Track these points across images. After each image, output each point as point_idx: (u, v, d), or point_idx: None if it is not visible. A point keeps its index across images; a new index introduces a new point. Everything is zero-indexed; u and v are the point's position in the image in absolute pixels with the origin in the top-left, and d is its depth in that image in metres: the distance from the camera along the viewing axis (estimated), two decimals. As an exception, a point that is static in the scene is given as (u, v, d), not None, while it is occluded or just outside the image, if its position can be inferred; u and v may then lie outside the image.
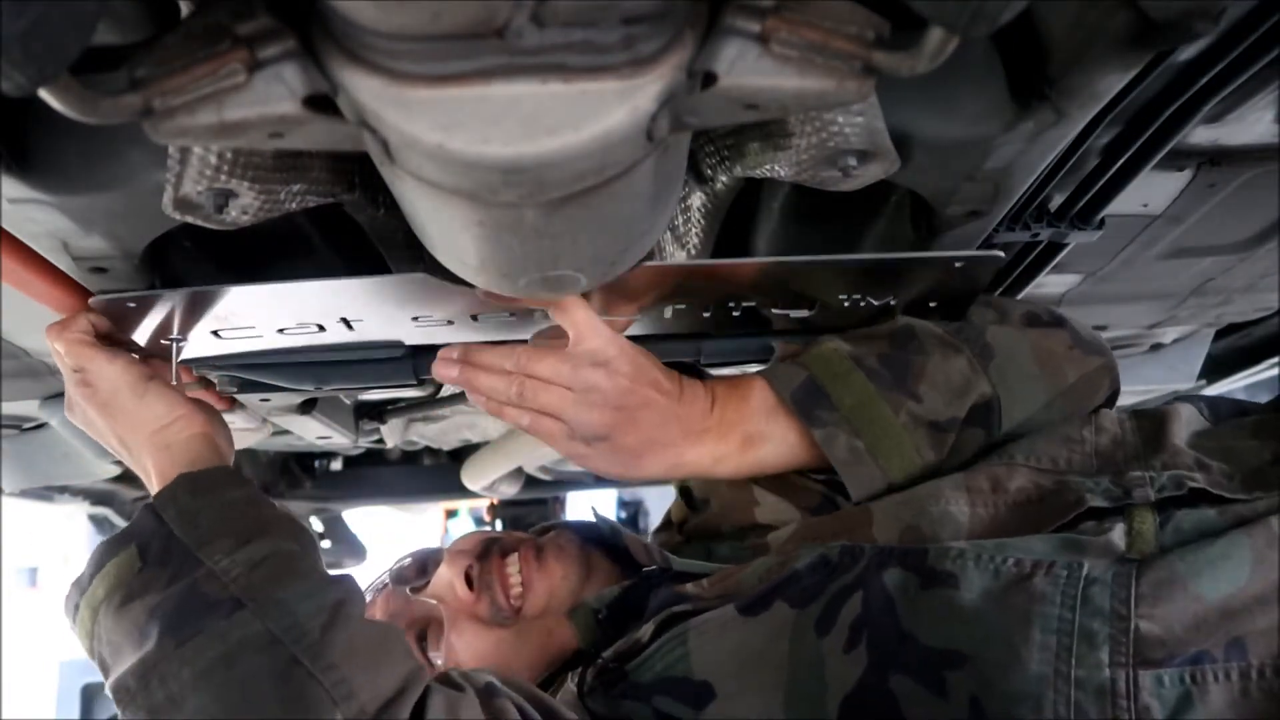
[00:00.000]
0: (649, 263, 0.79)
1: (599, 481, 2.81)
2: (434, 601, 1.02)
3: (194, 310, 0.84)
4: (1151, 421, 0.85)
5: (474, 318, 0.89)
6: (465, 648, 0.99)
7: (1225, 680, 0.63)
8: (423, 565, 1.11)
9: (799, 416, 0.86)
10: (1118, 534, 0.72)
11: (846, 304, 0.90)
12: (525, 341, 0.91)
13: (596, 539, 1.07)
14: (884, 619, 0.72)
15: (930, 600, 0.71)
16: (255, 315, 0.86)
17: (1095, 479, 0.79)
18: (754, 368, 0.99)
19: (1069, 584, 0.68)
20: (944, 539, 0.78)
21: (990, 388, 0.86)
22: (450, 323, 0.90)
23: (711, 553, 0.95)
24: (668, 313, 0.92)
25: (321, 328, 0.89)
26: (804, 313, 0.92)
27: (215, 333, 0.88)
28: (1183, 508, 0.73)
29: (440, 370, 0.89)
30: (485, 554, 1.03)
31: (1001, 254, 0.85)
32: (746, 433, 0.88)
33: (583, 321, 0.84)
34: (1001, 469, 0.83)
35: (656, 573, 0.93)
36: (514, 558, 1.02)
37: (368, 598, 1.12)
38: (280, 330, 0.89)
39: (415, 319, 0.89)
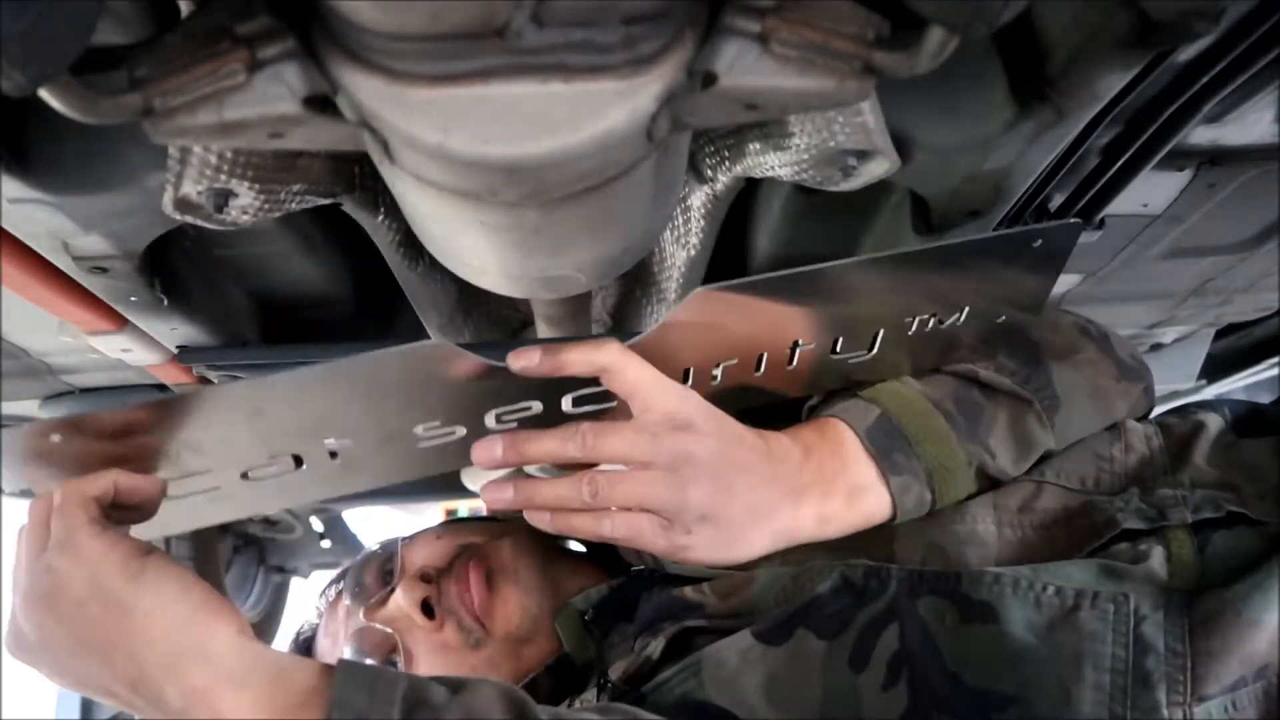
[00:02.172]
0: (705, 288, 0.67)
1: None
2: (389, 631, 0.94)
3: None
4: (1179, 438, 0.84)
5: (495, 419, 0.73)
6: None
7: (1255, 699, 0.64)
8: (384, 572, 1.01)
9: (876, 460, 0.76)
10: (1157, 560, 0.70)
11: (912, 329, 0.79)
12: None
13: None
14: (924, 657, 0.69)
15: (972, 636, 0.68)
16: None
17: (1124, 496, 0.76)
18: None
19: (1119, 620, 0.66)
20: (970, 560, 0.76)
21: (1054, 444, 0.82)
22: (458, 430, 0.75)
23: None
24: (717, 375, 0.77)
25: (299, 461, 0.74)
26: (863, 354, 0.80)
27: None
28: (1218, 529, 0.72)
29: (492, 495, 0.71)
30: (441, 573, 0.97)
31: (1080, 220, 0.81)
32: (850, 485, 0.75)
33: (646, 381, 0.69)
34: (1030, 487, 0.80)
35: (646, 573, 0.90)
36: (474, 576, 0.95)
37: (319, 605, 1.07)
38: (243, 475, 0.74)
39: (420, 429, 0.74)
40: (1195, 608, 0.66)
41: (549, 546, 0.99)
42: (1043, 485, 0.80)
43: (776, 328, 0.75)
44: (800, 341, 0.77)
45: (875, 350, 0.80)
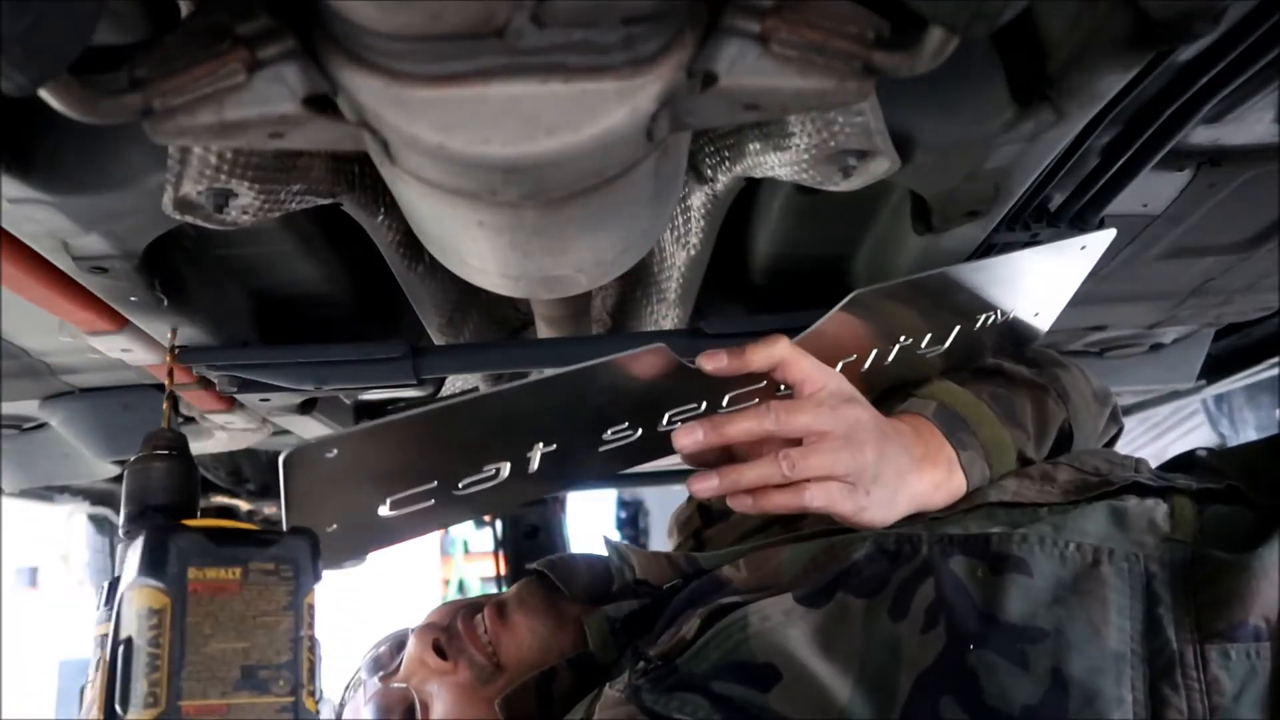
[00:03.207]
0: (859, 291, 0.78)
1: (597, 480, 2.81)
2: (405, 687, 1.00)
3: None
4: (1175, 463, 0.94)
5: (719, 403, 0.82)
6: (451, 715, 0.96)
7: (1272, 651, 0.70)
8: (398, 647, 1.08)
9: (949, 439, 0.85)
10: (1160, 514, 0.79)
11: (980, 324, 0.92)
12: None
13: (578, 577, 1.03)
14: (960, 603, 0.76)
15: (1005, 584, 0.76)
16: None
17: (1136, 473, 0.86)
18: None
19: (1133, 577, 0.75)
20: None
21: (1070, 430, 0.93)
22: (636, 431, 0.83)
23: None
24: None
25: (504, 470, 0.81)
26: (939, 348, 0.92)
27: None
28: (1217, 503, 0.80)
29: (699, 485, 0.79)
30: (450, 623, 1.02)
31: (1114, 231, 0.88)
32: (948, 457, 0.86)
33: (814, 366, 0.80)
34: (1049, 466, 0.89)
35: (680, 584, 0.93)
36: (480, 617, 1.00)
37: (346, 697, 1.12)
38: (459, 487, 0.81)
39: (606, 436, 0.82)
40: (1197, 564, 0.75)
41: (548, 599, 1.03)
42: (1059, 465, 0.89)
43: (893, 327, 0.86)
44: (903, 338, 0.87)
45: (948, 345, 0.90)
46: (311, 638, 0.61)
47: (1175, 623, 0.73)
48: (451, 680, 0.97)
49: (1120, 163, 0.86)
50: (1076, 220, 0.95)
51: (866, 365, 0.88)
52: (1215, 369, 1.79)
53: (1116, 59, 0.57)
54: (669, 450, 0.85)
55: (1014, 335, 0.97)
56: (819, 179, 0.67)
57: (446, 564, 7.99)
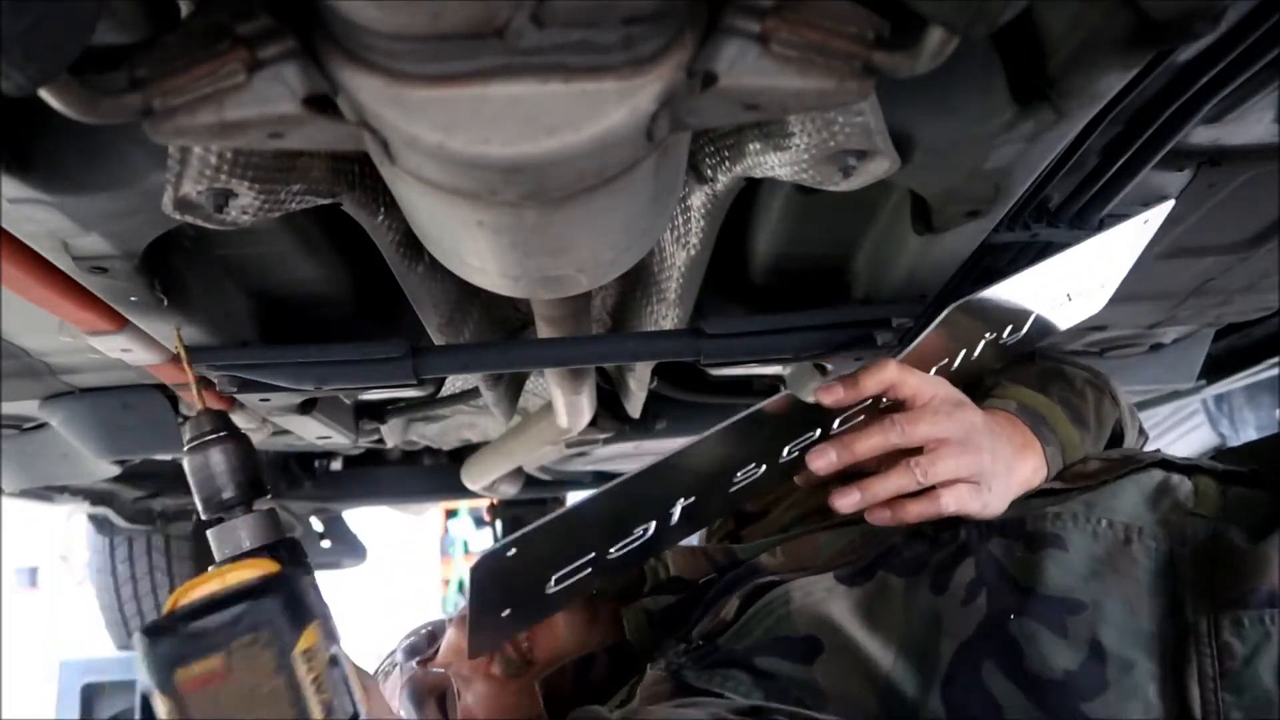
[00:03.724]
0: (958, 302, 0.81)
1: (598, 481, 2.82)
2: (442, 670, 1.05)
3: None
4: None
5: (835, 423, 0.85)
6: (481, 705, 1.01)
7: None
8: (433, 635, 1.14)
9: (1032, 431, 0.90)
10: (1185, 490, 0.84)
11: (1055, 309, 0.96)
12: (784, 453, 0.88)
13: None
14: (999, 581, 0.81)
15: (1042, 559, 0.80)
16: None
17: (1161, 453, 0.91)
18: (758, 369, 1.00)
19: (1159, 556, 0.80)
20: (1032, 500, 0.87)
21: (1122, 431, 0.99)
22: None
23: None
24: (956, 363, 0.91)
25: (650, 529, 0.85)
26: (1018, 335, 0.94)
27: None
28: (1241, 485, 0.84)
29: (840, 501, 0.82)
30: None
31: (1173, 200, 0.89)
32: (1037, 447, 0.90)
33: (923, 380, 0.83)
34: (1078, 464, 0.93)
35: (715, 578, 0.96)
36: None
37: (380, 678, 1.15)
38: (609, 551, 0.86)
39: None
40: (1219, 543, 0.79)
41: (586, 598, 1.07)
42: (1088, 459, 0.93)
43: (981, 326, 0.89)
44: (988, 334, 0.90)
45: (1025, 331, 0.93)
46: (318, 677, 0.61)
47: (1194, 598, 0.76)
48: (484, 670, 1.03)
49: (1120, 163, 0.86)
50: (1076, 220, 0.95)
51: (956, 364, 0.92)
52: (1215, 369, 1.79)
53: (1116, 59, 0.57)
54: (790, 476, 0.90)
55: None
56: (819, 179, 0.67)
57: (446, 564, 8.00)
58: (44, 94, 0.41)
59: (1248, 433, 3.44)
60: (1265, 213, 1.08)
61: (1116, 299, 1.36)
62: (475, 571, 0.76)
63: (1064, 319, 0.99)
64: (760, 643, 0.84)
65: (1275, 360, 1.72)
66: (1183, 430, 3.78)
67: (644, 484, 0.79)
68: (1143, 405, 2.07)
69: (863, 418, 0.88)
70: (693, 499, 0.86)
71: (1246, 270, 1.23)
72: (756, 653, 0.83)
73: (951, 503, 0.82)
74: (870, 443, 0.82)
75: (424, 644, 1.14)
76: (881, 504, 0.83)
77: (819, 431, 0.86)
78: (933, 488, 0.81)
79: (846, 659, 0.81)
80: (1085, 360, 1.12)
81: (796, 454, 0.86)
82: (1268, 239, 1.14)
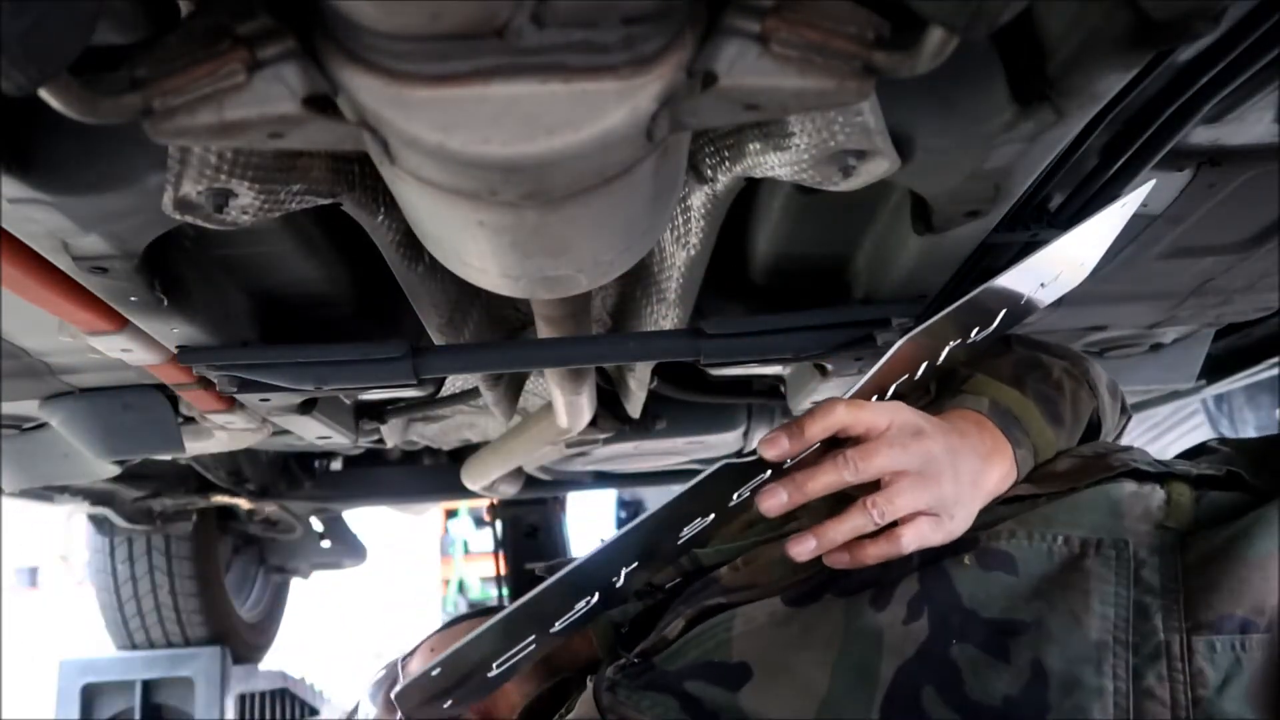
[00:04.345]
0: (907, 336, 0.81)
1: (598, 481, 2.82)
2: None
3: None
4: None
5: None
6: None
7: (1265, 645, 0.70)
8: (394, 680, 1.09)
9: (1003, 433, 0.86)
10: (1156, 500, 0.80)
11: (1024, 301, 0.95)
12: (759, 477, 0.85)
13: None
14: (943, 598, 0.78)
15: (990, 581, 0.78)
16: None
17: (1137, 453, 0.87)
18: (758, 369, 0.99)
19: (1120, 565, 0.76)
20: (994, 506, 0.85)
21: (1098, 421, 0.95)
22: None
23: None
24: (889, 393, 0.89)
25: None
26: (986, 331, 0.93)
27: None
28: (1217, 489, 0.81)
29: (796, 548, 0.79)
30: None
31: (1154, 180, 0.88)
32: (1007, 452, 0.87)
33: (874, 413, 0.79)
34: (1048, 463, 0.90)
35: (680, 583, 0.95)
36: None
37: None
38: None
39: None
40: (1188, 549, 0.76)
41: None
42: (1059, 455, 0.90)
43: (943, 337, 0.87)
44: (953, 342, 0.89)
45: (994, 326, 0.91)
46: None
47: (1164, 610, 0.73)
48: None
49: (1120, 163, 0.86)
50: (1077, 220, 0.95)
51: (919, 374, 0.91)
52: (1215, 369, 1.79)
53: (1116, 59, 0.57)
54: (741, 514, 0.89)
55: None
56: (819, 179, 0.67)
57: (446, 564, 7.99)
58: (44, 94, 0.41)
59: (1247, 433, 3.44)
60: (1265, 213, 1.08)
61: (1117, 299, 1.36)
62: (401, 700, 0.77)
63: (1039, 302, 0.97)
64: (693, 666, 0.82)
65: (1275, 360, 1.72)
66: (1183, 430, 3.78)
67: (584, 572, 0.80)
68: (1143, 405, 2.07)
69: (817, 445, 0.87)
70: (635, 564, 0.85)
71: (1246, 270, 1.23)
72: (686, 676, 0.82)
73: (913, 540, 0.78)
74: (823, 481, 0.78)
75: (386, 694, 1.07)
76: (839, 548, 0.79)
77: (769, 472, 0.84)
78: (893, 523, 0.78)
79: (780, 685, 0.79)
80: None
81: (747, 495, 0.85)
82: (1268, 239, 1.14)
